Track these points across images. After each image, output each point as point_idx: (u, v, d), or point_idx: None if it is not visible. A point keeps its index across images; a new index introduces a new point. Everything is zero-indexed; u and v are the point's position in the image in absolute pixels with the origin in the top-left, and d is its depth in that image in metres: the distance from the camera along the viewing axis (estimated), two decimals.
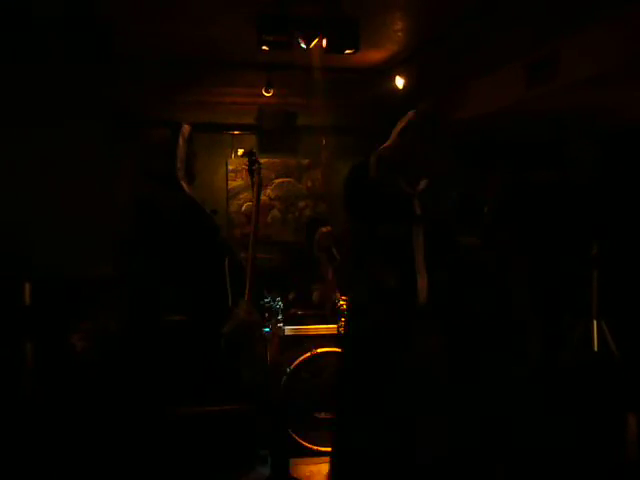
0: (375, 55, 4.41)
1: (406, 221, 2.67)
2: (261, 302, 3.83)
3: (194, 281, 2.77)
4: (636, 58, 3.36)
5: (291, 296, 4.56)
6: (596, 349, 3.81)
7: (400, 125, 2.76)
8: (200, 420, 2.79)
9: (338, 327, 4.07)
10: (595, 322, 3.86)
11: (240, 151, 4.63)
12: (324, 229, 4.50)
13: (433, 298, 2.63)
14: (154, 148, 2.92)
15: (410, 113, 2.77)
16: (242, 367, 2.90)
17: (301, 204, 5.88)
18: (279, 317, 4.17)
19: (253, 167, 3.22)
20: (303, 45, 3.57)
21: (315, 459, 3.72)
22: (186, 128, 2.91)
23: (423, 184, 2.74)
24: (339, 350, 3.68)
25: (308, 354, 4.03)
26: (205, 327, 2.79)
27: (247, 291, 2.96)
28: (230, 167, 5.69)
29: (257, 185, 3.19)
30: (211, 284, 2.83)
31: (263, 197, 5.65)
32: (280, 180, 5.82)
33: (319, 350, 4.03)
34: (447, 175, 2.92)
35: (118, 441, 3.06)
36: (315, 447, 3.84)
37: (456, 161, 4.07)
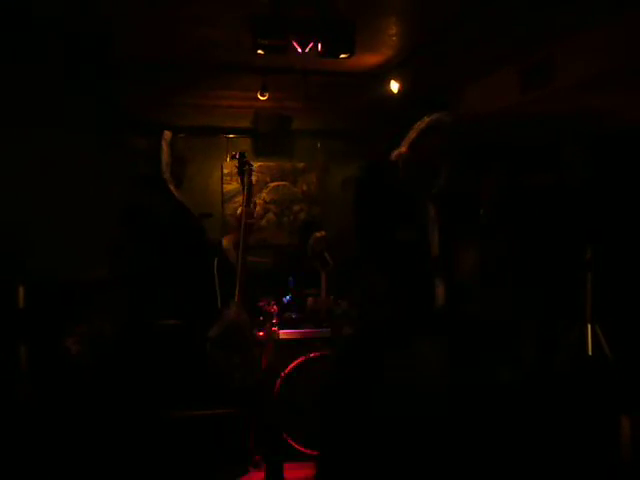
0: (370, 59, 4.42)
1: (422, 223, 2.69)
2: (255, 305, 3.84)
3: (181, 284, 2.78)
4: (630, 62, 3.38)
5: (286, 299, 4.56)
6: (590, 353, 3.81)
7: (418, 128, 2.75)
8: (194, 424, 2.78)
9: (332, 331, 4.08)
10: (589, 326, 3.87)
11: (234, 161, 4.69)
12: (318, 234, 4.50)
13: (450, 301, 2.63)
14: (140, 153, 2.96)
15: (429, 118, 2.76)
16: (232, 370, 2.90)
17: (296, 207, 5.88)
18: (273, 321, 4.17)
19: (244, 168, 3.23)
20: (298, 49, 3.58)
21: (310, 463, 3.70)
22: (167, 133, 2.97)
23: (437, 186, 2.74)
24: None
25: (303, 358, 4.03)
26: (193, 330, 2.80)
27: (237, 293, 2.97)
28: (225, 170, 5.69)
29: (247, 187, 3.20)
30: (199, 286, 2.84)
31: (258, 200, 5.66)
32: (275, 183, 5.82)
33: (314, 354, 4.04)
34: (461, 177, 2.91)
35: (113, 444, 3.05)
36: (310, 451, 3.84)
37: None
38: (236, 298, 2.98)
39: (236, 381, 2.91)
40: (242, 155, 3.30)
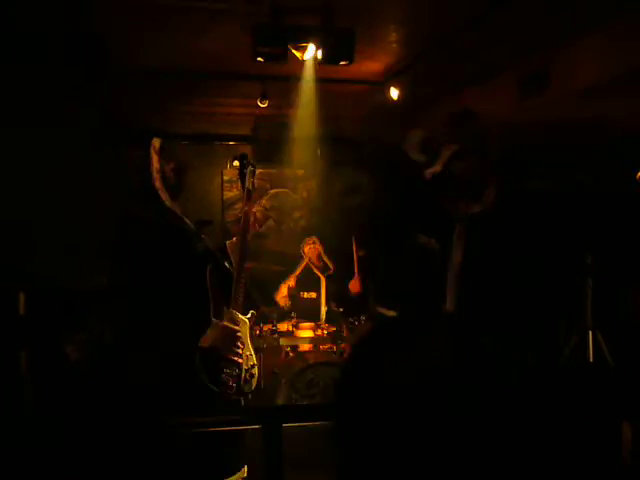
0: (370, 66, 4.44)
1: (447, 236, 2.69)
2: (254, 312, 3.81)
3: (173, 293, 2.75)
4: (629, 69, 3.40)
5: (287, 306, 4.55)
6: (591, 359, 3.81)
7: (451, 149, 2.75)
8: (194, 431, 2.77)
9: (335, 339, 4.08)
10: (590, 332, 3.86)
11: (236, 163, 4.60)
12: (310, 240, 4.51)
13: (458, 311, 2.63)
14: (135, 162, 2.96)
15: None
16: (228, 379, 2.86)
17: (296, 214, 5.89)
18: (274, 327, 4.16)
19: (245, 170, 3.18)
20: (298, 56, 3.60)
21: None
22: (156, 141, 2.95)
23: (475, 208, 2.74)
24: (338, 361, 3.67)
25: (304, 365, 4.02)
26: (184, 338, 2.77)
27: (232, 301, 2.92)
28: (225, 178, 5.70)
29: (247, 190, 3.15)
30: (191, 295, 2.80)
31: (258, 207, 5.66)
32: (275, 190, 5.84)
33: (315, 361, 4.02)
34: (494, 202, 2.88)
35: (111, 451, 3.04)
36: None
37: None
38: (231, 306, 2.94)
39: (233, 390, 2.88)
40: (243, 157, 3.26)
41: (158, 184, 2.92)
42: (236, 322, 2.93)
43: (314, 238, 4.56)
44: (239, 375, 2.95)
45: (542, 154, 4.85)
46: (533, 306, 4.31)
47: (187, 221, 2.98)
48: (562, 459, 3.16)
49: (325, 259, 4.41)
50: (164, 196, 2.92)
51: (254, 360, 3.08)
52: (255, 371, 3.08)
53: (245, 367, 2.99)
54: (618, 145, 4.46)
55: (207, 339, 2.80)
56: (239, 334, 2.95)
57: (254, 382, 3.07)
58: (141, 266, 2.79)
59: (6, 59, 3.74)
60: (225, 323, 2.89)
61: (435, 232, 2.70)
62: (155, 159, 2.92)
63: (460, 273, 2.64)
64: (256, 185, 3.32)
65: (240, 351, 2.95)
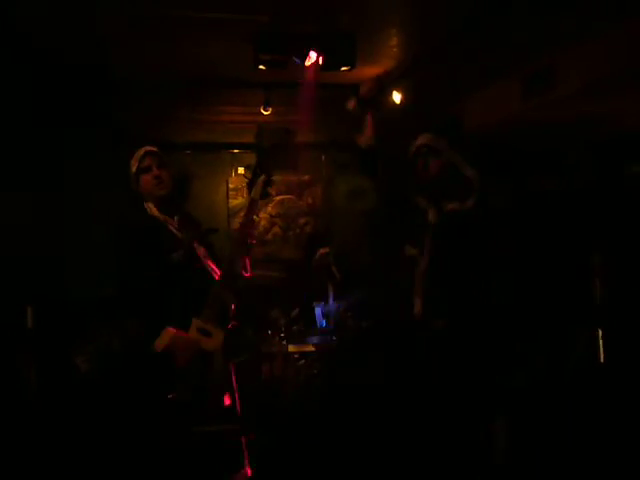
0: (372, 71, 4.44)
1: (420, 245, 2.70)
2: (258, 318, 3.79)
3: (148, 302, 2.72)
4: (631, 68, 3.38)
5: (294, 313, 4.54)
6: (602, 360, 3.78)
7: (411, 151, 2.76)
8: (204, 439, 2.76)
9: None
10: (600, 332, 3.84)
11: (240, 170, 4.55)
12: (322, 250, 4.50)
13: (427, 317, 2.63)
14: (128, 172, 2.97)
15: (418, 141, 2.77)
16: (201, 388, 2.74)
17: (302, 221, 5.88)
18: (282, 334, 4.16)
19: (255, 179, 3.12)
20: (299, 63, 3.61)
21: None
22: (139, 151, 2.95)
23: (450, 207, 2.72)
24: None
25: (313, 371, 4.01)
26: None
27: (207, 309, 2.73)
28: (231, 186, 5.71)
29: (252, 200, 3.09)
30: (162, 305, 2.74)
31: (263, 214, 5.64)
32: (280, 197, 5.83)
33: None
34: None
35: (121, 461, 3.05)
36: None
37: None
38: (202, 316, 2.73)
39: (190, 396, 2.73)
40: (257, 165, 3.19)
41: (142, 191, 2.92)
42: (205, 333, 2.73)
43: (327, 248, 4.54)
44: (192, 387, 2.74)
45: (547, 154, 4.84)
46: (541, 307, 4.29)
47: (173, 229, 2.93)
48: (573, 459, 3.13)
49: (333, 269, 4.41)
50: (148, 204, 2.91)
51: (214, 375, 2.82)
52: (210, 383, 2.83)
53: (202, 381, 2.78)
54: (621, 143, 4.45)
55: (160, 344, 2.69)
56: (201, 346, 2.73)
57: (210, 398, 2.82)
58: (126, 273, 2.80)
59: (6, 59, 3.75)
60: (185, 333, 2.72)
61: (418, 240, 2.70)
62: (135, 166, 2.93)
63: (429, 275, 2.62)
64: (272, 192, 3.27)
65: (199, 364, 2.75)
